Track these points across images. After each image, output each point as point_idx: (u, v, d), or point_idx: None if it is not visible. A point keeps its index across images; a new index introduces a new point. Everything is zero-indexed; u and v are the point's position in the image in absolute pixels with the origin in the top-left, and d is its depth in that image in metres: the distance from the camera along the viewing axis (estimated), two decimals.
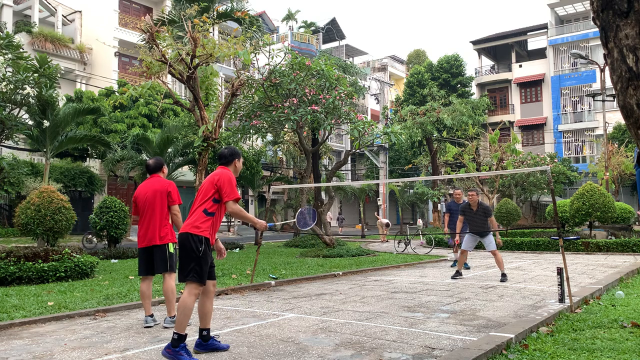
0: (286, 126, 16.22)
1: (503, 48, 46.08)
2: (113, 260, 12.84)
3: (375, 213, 33.52)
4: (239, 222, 33.96)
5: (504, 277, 9.32)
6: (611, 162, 27.30)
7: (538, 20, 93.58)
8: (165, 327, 5.53)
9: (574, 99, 41.50)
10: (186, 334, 4.16)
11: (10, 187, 16.89)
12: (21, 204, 11.21)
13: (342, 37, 46.23)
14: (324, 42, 45.57)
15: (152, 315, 5.69)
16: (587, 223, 17.45)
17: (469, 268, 11.56)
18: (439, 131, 33.14)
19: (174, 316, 5.53)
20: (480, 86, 45.79)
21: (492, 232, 9.62)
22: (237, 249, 17.49)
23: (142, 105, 24.22)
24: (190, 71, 9.32)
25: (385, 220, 24.78)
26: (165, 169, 5.95)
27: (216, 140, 9.78)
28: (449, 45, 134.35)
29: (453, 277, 9.82)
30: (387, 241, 22.77)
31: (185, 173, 21.03)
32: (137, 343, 4.88)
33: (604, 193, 16.89)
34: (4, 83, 13.75)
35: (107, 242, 14.33)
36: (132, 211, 5.86)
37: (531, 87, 43.79)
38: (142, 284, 5.74)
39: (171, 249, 5.64)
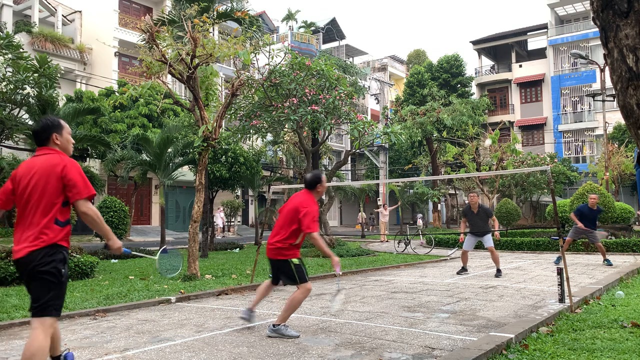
0: (286, 126, 16.21)
1: (503, 48, 46.07)
2: (113, 260, 12.84)
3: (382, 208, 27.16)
4: (239, 222, 33.97)
5: (498, 272, 9.91)
6: (611, 162, 27.30)
7: (538, 20, 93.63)
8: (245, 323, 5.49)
9: (574, 99, 41.50)
10: None
11: None
12: None
13: (342, 37, 46.20)
14: (324, 42, 45.54)
15: (252, 310, 5.55)
16: None
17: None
18: (439, 131, 33.13)
19: (280, 324, 5.17)
20: (480, 86, 45.79)
21: (491, 232, 10.14)
22: (237, 249, 17.49)
23: (142, 105, 24.19)
24: (190, 71, 9.31)
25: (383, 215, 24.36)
26: (320, 186, 5.38)
27: (216, 140, 9.77)
28: (449, 45, 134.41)
29: (458, 273, 10.37)
30: (387, 241, 22.76)
31: (185, 173, 21.01)
32: (137, 343, 4.88)
33: (604, 193, 16.89)
34: (4, 83, 13.75)
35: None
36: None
37: (531, 87, 43.79)
38: (266, 281, 5.63)
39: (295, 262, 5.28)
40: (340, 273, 5.72)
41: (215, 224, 29.73)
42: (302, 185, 5.69)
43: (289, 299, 5.18)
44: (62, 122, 3.56)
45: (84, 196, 3.28)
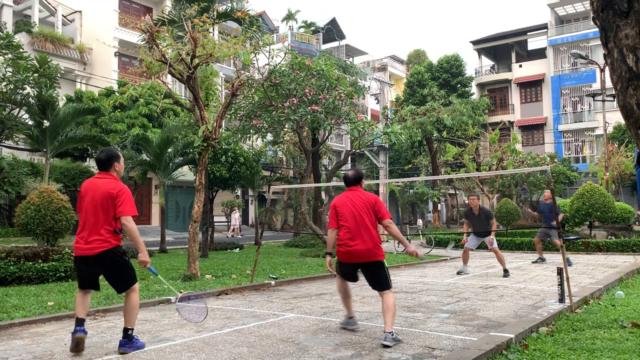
0: (286, 126, 16.20)
1: (503, 48, 46.06)
2: None
3: None
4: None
5: (506, 272, 9.98)
6: (611, 162, 27.30)
7: (538, 20, 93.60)
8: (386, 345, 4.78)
9: (574, 99, 41.49)
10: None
11: (10, 187, 16.88)
12: (21, 204, 11.19)
13: (342, 37, 46.20)
14: (324, 42, 45.53)
15: (352, 317, 5.41)
16: (587, 223, 17.46)
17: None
18: (439, 131, 33.13)
19: (391, 332, 4.83)
20: (480, 86, 45.77)
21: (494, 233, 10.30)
22: (237, 249, 17.49)
23: (142, 105, 24.18)
24: (190, 71, 9.31)
25: None
26: (363, 182, 5.50)
27: (216, 140, 9.77)
28: (449, 45, 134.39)
29: (458, 273, 10.45)
30: (387, 241, 22.76)
31: (185, 173, 21.01)
32: None
33: (604, 193, 16.89)
34: (4, 83, 13.74)
35: None
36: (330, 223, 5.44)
37: (531, 87, 43.78)
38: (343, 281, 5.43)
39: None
40: (423, 255, 5.63)
41: (231, 223, 30.03)
42: (301, 185, 5.67)
43: (385, 306, 4.94)
44: (119, 153, 4.75)
45: (127, 214, 4.40)
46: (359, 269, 5.26)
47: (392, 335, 4.77)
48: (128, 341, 4.51)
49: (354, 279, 5.38)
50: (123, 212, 4.37)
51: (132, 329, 4.54)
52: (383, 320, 4.95)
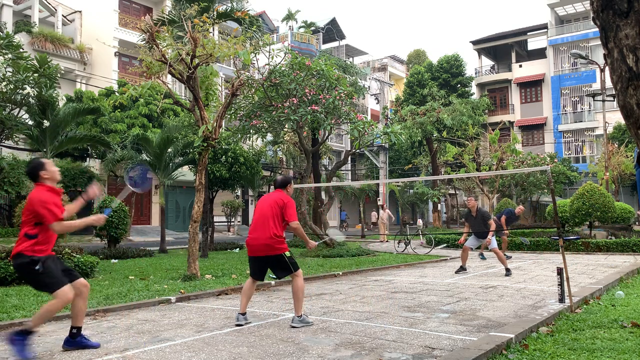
0: (286, 126, 16.20)
1: (503, 48, 46.06)
2: (113, 260, 12.84)
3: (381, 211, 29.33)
4: (239, 222, 33.97)
5: (508, 272, 10.08)
6: (611, 162, 27.29)
7: (538, 20, 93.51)
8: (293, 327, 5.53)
9: (574, 99, 41.49)
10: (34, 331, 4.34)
11: (10, 187, 16.87)
12: (21, 204, 11.20)
13: (342, 37, 46.18)
14: (324, 42, 45.51)
15: (244, 314, 5.70)
16: (587, 223, 17.46)
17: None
18: (439, 131, 33.12)
19: (300, 315, 5.61)
20: (480, 86, 45.77)
21: (494, 234, 10.35)
22: (237, 249, 17.49)
23: (142, 105, 24.18)
24: (190, 71, 9.30)
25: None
26: (289, 186, 5.93)
27: (216, 140, 9.77)
28: (449, 45, 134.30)
29: (457, 272, 10.54)
30: (387, 241, 22.76)
31: (185, 173, 21.01)
32: (137, 343, 4.88)
33: (604, 193, 16.90)
34: (4, 83, 13.75)
35: (107, 242, 14.33)
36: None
37: (531, 87, 43.78)
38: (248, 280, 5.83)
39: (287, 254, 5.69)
40: (316, 244, 6.15)
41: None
42: (301, 185, 5.92)
43: (294, 290, 5.61)
44: (43, 159, 4.67)
45: (51, 222, 4.32)
46: (266, 266, 5.71)
47: (300, 317, 5.53)
48: (70, 339, 4.60)
49: (261, 276, 5.81)
50: (48, 221, 4.37)
51: (77, 328, 4.58)
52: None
